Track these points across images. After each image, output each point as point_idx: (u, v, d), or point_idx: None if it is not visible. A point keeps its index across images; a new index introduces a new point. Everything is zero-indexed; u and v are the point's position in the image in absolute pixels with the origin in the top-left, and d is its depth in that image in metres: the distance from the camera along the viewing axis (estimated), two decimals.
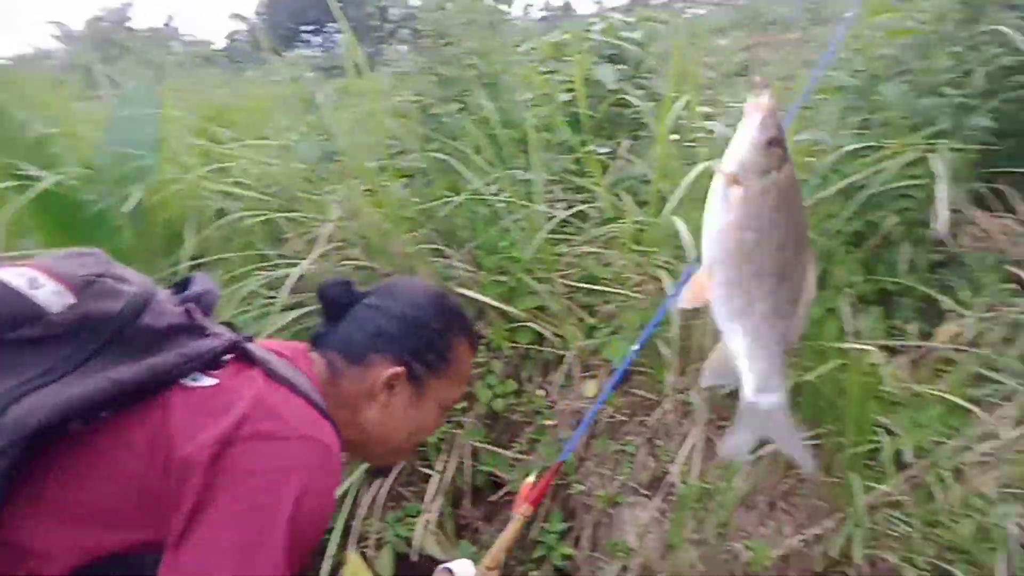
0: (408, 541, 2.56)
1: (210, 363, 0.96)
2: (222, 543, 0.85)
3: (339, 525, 2.56)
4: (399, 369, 1.07)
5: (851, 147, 2.72)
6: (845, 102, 2.99)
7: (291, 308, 2.51)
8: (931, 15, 2.86)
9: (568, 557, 2.48)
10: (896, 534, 2.20)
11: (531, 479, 1.44)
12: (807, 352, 2.40)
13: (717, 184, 0.78)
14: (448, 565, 1.15)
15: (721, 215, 0.78)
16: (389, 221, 2.76)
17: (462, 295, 2.65)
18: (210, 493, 0.85)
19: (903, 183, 2.61)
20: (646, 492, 2.50)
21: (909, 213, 2.66)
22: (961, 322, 2.58)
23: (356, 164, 2.89)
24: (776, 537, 2.32)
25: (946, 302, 2.66)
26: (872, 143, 2.71)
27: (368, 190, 2.86)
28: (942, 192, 2.45)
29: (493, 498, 2.66)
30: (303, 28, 20.35)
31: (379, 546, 2.60)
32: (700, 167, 2.59)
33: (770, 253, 0.77)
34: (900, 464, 2.32)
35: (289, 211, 2.82)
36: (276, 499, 0.87)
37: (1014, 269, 2.71)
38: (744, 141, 0.76)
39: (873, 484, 2.27)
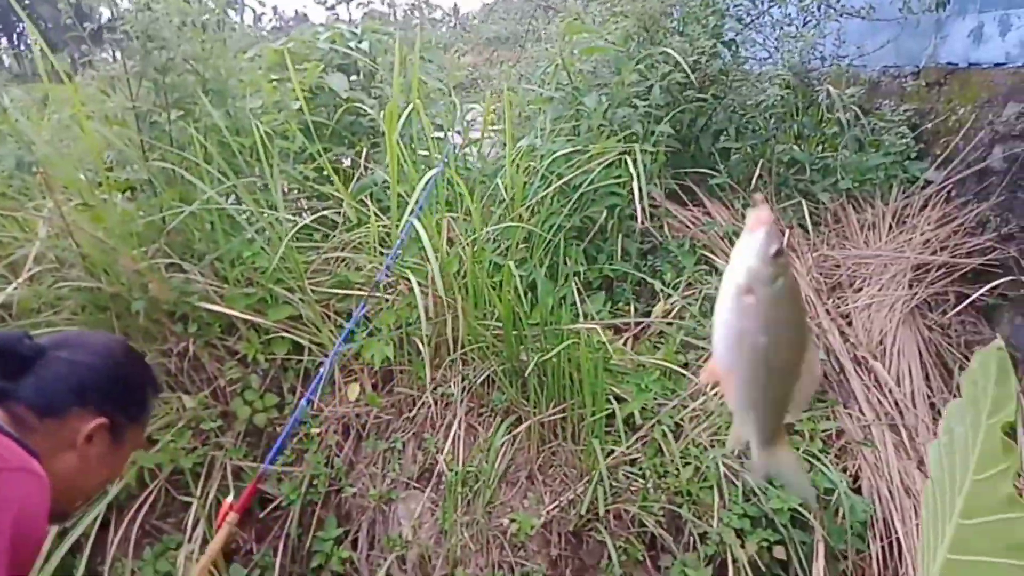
0: None
1: None
2: None
3: (80, 572, 2.30)
4: (103, 421, 1.11)
5: (562, 152, 3.08)
6: (555, 112, 3.37)
7: None
8: (618, 36, 3.33)
9: (347, 560, 2.47)
10: (634, 488, 2.54)
11: (229, 499, 1.57)
12: (547, 335, 2.67)
13: (729, 291, 0.83)
14: None
15: (736, 322, 0.83)
16: (112, 237, 2.51)
17: (208, 309, 2.51)
18: None
19: (609, 182, 3.01)
20: (417, 485, 2.58)
21: (618, 209, 3.08)
22: (669, 300, 3.05)
23: (64, 175, 2.58)
24: (537, 507, 2.53)
25: (656, 284, 3.12)
26: (579, 148, 3.09)
27: (83, 204, 2.56)
28: (640, 188, 2.88)
29: (263, 515, 2.54)
30: None
31: None
32: (431, 173, 2.76)
33: (781, 353, 0.84)
34: (632, 426, 2.68)
35: None
36: None
37: (704, 252, 3.27)
38: (752, 253, 0.80)
39: (612, 447, 2.60)
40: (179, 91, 2.87)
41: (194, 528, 2.46)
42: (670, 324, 2.96)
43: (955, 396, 3.33)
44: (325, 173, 2.94)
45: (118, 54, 2.78)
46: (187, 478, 2.53)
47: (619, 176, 2.97)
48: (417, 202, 2.38)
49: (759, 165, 3.64)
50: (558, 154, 2.94)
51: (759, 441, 0.91)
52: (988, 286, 3.10)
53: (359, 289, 2.73)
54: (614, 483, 2.52)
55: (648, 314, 3.06)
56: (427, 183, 2.48)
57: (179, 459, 2.52)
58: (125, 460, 1.22)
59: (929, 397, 3.18)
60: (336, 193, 2.88)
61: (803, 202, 3.65)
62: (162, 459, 2.50)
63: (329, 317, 2.76)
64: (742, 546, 2.40)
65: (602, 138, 3.01)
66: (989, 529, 0.93)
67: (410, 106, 2.82)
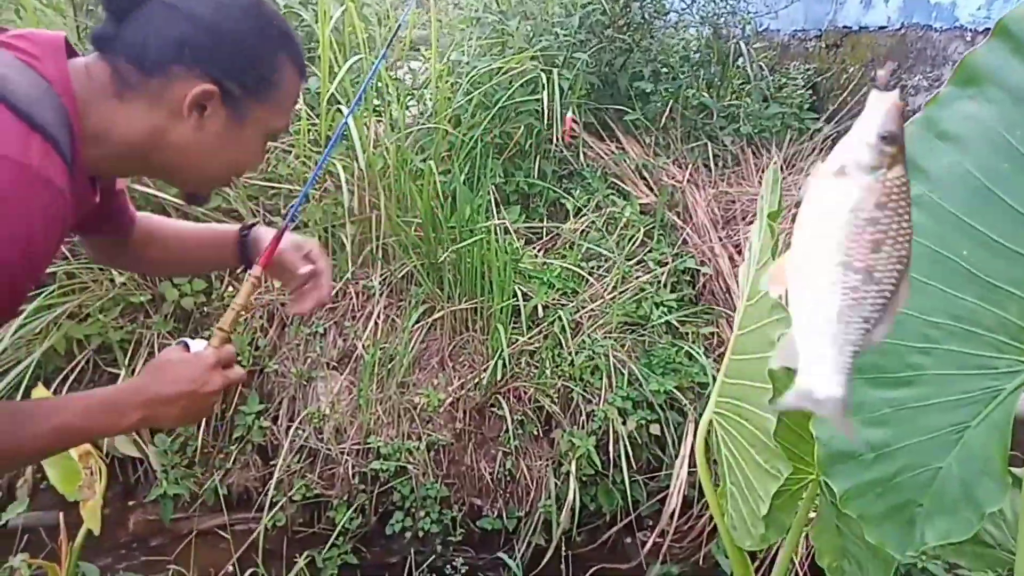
0: (98, 446, 2.51)
1: None
2: None
3: None
4: (210, 87, 0.90)
5: (485, 68, 3.30)
6: (482, 33, 3.58)
7: None
8: None
9: (267, 430, 2.68)
10: (534, 373, 2.84)
11: None
12: (463, 235, 2.91)
13: (819, 178, 0.71)
14: (184, 339, 1.06)
15: (816, 205, 0.71)
16: None
17: (141, 192, 2.64)
18: None
19: (527, 98, 3.25)
20: (337, 366, 2.80)
21: (536, 131, 3.32)
22: (580, 218, 3.35)
23: None
24: (447, 387, 2.80)
25: (569, 203, 3.41)
26: (501, 65, 3.31)
27: None
28: (557, 109, 3.13)
29: None
30: None
31: None
32: (352, 61, 2.93)
33: (860, 250, 0.69)
34: (536, 322, 2.96)
35: None
36: None
37: (615, 181, 3.58)
38: (858, 136, 0.68)
39: (516, 336, 2.88)
40: None
41: None
42: (582, 234, 3.26)
43: None
44: None
45: None
46: (115, 353, 2.69)
47: (536, 94, 3.20)
48: (358, 96, 2.54)
49: (670, 108, 3.94)
50: (480, 69, 3.16)
51: (832, 368, 0.72)
52: None
53: (287, 184, 2.90)
54: (515, 368, 2.81)
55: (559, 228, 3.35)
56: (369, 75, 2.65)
57: (107, 333, 2.67)
58: (256, 145, 1.00)
59: None
60: None
61: (708, 144, 3.98)
62: (90, 331, 2.64)
63: (256, 212, 2.93)
64: (623, 423, 2.73)
65: (524, 59, 3.23)
66: (756, 335, 1.22)
67: (343, 7, 2.98)
